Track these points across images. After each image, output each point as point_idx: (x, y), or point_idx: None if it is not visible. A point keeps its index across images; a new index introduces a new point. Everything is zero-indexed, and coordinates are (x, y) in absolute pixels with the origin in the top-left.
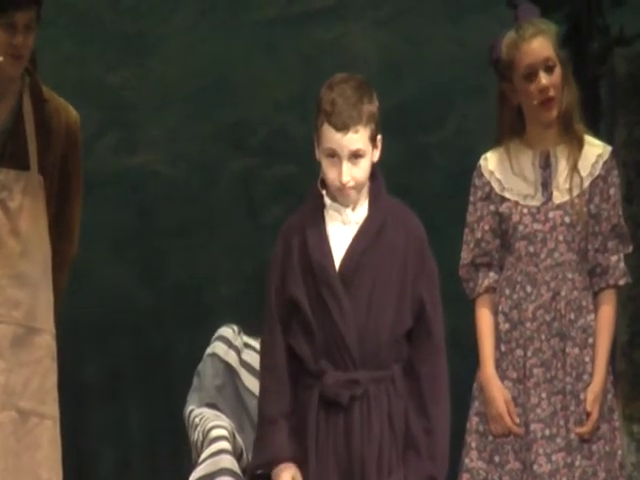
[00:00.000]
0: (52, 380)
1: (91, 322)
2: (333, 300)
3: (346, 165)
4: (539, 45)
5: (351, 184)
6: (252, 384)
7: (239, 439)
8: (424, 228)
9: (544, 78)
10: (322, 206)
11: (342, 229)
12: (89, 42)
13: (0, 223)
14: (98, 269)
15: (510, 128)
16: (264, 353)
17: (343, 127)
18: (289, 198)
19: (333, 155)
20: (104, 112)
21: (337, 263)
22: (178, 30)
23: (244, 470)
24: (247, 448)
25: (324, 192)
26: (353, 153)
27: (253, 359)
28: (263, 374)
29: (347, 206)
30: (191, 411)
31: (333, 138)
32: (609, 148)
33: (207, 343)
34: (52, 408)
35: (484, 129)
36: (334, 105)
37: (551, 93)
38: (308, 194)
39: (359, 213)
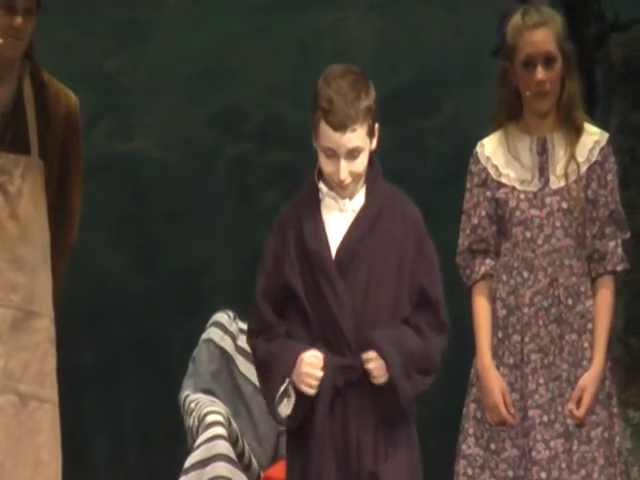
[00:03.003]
0: (51, 364)
1: (85, 307)
2: (329, 287)
3: (344, 162)
4: (541, 37)
5: (348, 180)
6: (248, 370)
7: (234, 425)
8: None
9: (541, 73)
10: (318, 194)
11: (339, 217)
12: (85, 28)
13: None
14: (93, 254)
15: (508, 109)
16: (254, 321)
17: (341, 127)
18: (284, 184)
19: (331, 152)
20: (100, 97)
21: (333, 251)
22: (174, 15)
23: (240, 455)
24: (242, 433)
25: (321, 182)
26: (351, 151)
27: None
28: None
29: (344, 197)
30: (186, 397)
31: (331, 137)
32: (606, 135)
33: (202, 329)
34: (51, 392)
35: (480, 115)
36: (331, 104)
37: (547, 87)
38: (304, 182)
39: (356, 201)
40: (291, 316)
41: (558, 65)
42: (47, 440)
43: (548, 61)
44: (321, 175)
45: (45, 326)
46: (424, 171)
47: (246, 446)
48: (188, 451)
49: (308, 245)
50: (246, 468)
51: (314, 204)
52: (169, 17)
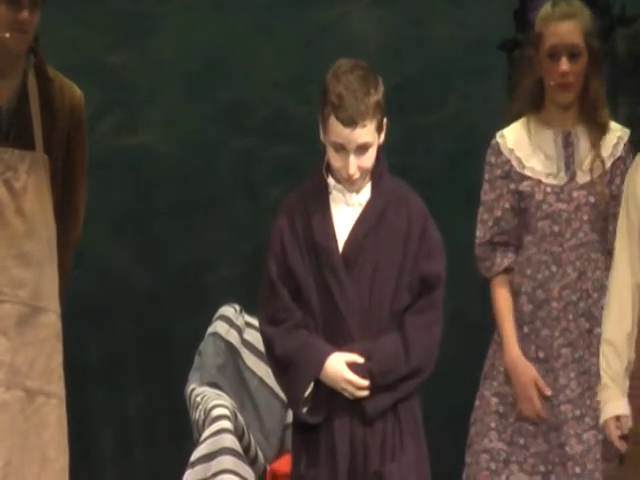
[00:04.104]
0: (57, 359)
1: (90, 302)
2: (335, 281)
3: (353, 158)
4: (567, 29)
5: (357, 175)
6: (254, 363)
7: (240, 418)
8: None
9: (565, 64)
10: (326, 187)
11: (345, 211)
12: (89, 23)
13: (5, 203)
14: (96, 249)
15: (530, 99)
16: (269, 305)
17: (351, 123)
18: (289, 179)
19: (340, 148)
20: (104, 92)
21: (340, 245)
22: (178, 10)
23: (246, 448)
24: (248, 427)
25: (329, 175)
26: (360, 147)
27: (255, 338)
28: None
29: (351, 191)
30: (192, 390)
31: (341, 133)
32: (627, 130)
33: (207, 323)
34: (58, 387)
35: (485, 110)
36: (341, 99)
37: (570, 79)
38: (312, 174)
39: (362, 195)
40: (296, 305)
41: (583, 59)
42: (54, 436)
43: (573, 54)
44: (329, 168)
45: (51, 322)
46: (428, 166)
47: (252, 440)
48: (194, 445)
49: (317, 239)
50: (252, 462)
51: (322, 197)
52: (174, 12)
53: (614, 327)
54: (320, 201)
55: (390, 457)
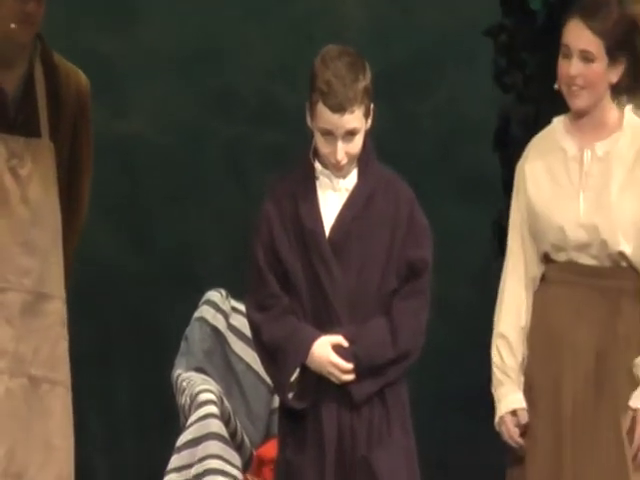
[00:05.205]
0: (63, 346)
1: (79, 288)
2: (323, 267)
3: (340, 143)
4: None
5: (345, 161)
6: (240, 348)
7: (227, 403)
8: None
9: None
10: (313, 173)
11: (332, 196)
12: (78, 8)
13: (10, 191)
14: (85, 235)
15: None
16: (256, 292)
17: (339, 109)
18: (279, 166)
19: (328, 134)
20: (94, 79)
21: (327, 230)
22: None
23: (232, 433)
24: (235, 412)
25: (316, 161)
26: (348, 132)
27: (241, 323)
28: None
29: (338, 177)
30: (179, 375)
31: (329, 119)
32: None
33: (195, 307)
34: (64, 375)
35: (474, 96)
36: (330, 86)
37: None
38: (299, 161)
39: (349, 180)
40: (283, 290)
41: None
42: (59, 424)
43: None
44: (316, 154)
45: (57, 308)
46: (417, 152)
47: (238, 424)
48: (180, 430)
49: (304, 224)
50: (238, 447)
51: (309, 183)
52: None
53: (508, 321)
54: (307, 186)
55: (377, 442)
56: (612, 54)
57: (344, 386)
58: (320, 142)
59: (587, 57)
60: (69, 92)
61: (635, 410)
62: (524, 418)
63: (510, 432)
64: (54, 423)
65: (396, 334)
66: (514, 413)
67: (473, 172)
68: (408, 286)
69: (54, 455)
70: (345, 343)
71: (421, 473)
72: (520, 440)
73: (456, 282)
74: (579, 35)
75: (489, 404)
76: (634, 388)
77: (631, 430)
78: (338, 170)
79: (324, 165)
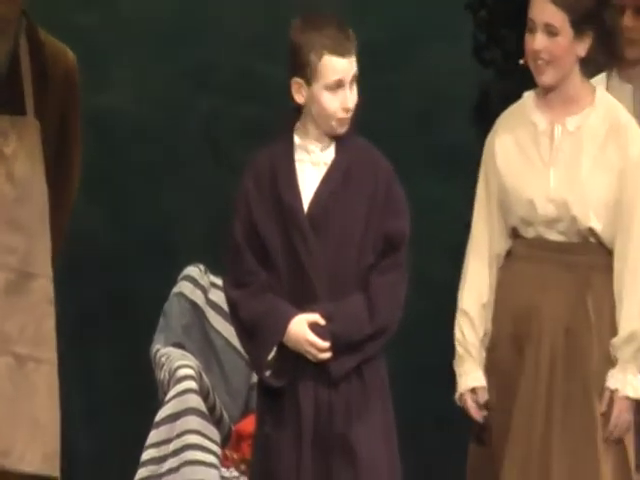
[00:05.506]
0: (49, 324)
1: (57, 262)
2: (302, 242)
3: (349, 92)
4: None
5: (351, 112)
6: (219, 324)
7: (205, 379)
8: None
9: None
10: (292, 147)
11: (311, 170)
12: None
13: None
14: None
15: None
16: (234, 269)
17: (347, 52)
18: (257, 140)
19: (338, 85)
20: (72, 53)
21: (306, 205)
22: None
23: (211, 408)
24: (214, 387)
25: (295, 135)
26: (354, 77)
27: (220, 299)
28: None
29: (322, 149)
30: (157, 351)
31: (339, 66)
32: None
33: (173, 283)
34: (50, 353)
35: (454, 71)
36: (332, 35)
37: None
38: (278, 135)
39: (327, 154)
40: (261, 266)
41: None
42: (45, 402)
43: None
44: (295, 128)
45: (42, 286)
46: (397, 126)
47: (217, 400)
48: (159, 405)
49: (283, 198)
50: (217, 422)
51: (289, 157)
52: None
53: (470, 298)
54: (286, 160)
55: (356, 418)
56: (577, 27)
57: (322, 364)
58: (328, 100)
59: (551, 31)
60: (56, 69)
61: (613, 391)
62: (483, 397)
63: (471, 409)
64: (40, 401)
65: (373, 310)
66: (473, 391)
67: (452, 147)
68: (385, 260)
69: (40, 432)
70: (322, 321)
71: (399, 447)
72: (479, 416)
73: (433, 257)
74: (543, 8)
75: None
76: (607, 364)
77: (608, 411)
78: (343, 126)
79: (302, 138)
